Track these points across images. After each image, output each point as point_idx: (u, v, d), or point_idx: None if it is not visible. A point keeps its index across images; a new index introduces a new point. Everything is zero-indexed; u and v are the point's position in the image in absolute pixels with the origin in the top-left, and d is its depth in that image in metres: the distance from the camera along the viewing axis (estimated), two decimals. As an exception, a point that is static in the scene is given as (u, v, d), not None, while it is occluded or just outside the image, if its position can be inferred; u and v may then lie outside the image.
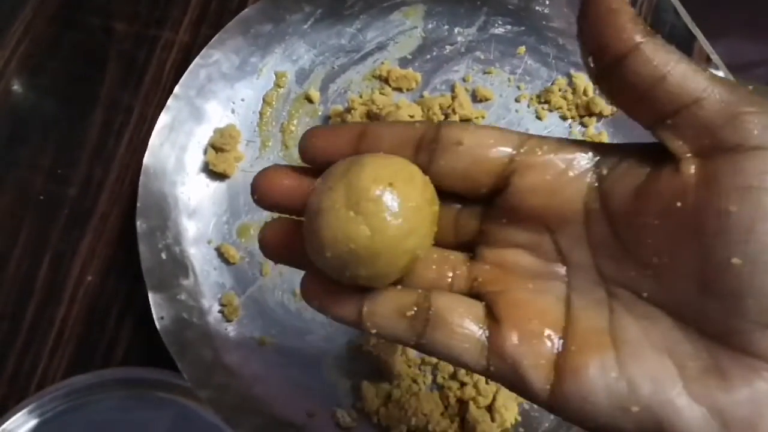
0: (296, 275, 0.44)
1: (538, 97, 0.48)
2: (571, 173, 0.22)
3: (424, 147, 0.23)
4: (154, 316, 0.41)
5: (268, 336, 0.43)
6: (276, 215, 0.25)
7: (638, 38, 0.19)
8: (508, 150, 0.22)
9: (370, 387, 0.42)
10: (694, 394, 0.18)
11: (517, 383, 0.21)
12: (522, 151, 0.22)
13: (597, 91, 0.47)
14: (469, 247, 0.24)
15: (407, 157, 0.23)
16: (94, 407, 0.42)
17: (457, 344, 0.21)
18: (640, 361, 0.19)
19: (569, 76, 0.47)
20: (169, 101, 0.45)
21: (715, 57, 0.49)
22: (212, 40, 0.46)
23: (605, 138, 0.46)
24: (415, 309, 0.22)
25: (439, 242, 0.24)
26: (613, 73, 0.20)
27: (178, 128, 0.46)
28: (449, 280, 0.24)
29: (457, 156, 0.22)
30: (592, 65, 0.20)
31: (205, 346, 0.42)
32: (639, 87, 0.19)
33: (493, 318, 0.22)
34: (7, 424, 0.41)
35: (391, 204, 0.20)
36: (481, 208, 0.24)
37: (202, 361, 0.41)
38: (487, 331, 0.21)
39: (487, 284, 0.23)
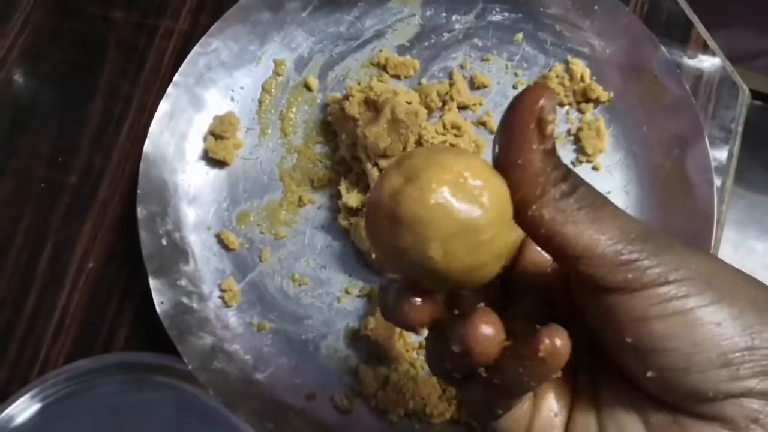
0: (295, 261, 0.45)
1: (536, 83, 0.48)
2: None
3: None
4: (155, 302, 0.41)
5: (268, 321, 0.44)
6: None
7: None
8: None
9: (368, 370, 0.42)
10: None
11: None
12: None
13: (594, 78, 0.47)
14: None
15: None
16: (95, 392, 0.42)
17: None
18: (613, 418, 0.22)
19: (566, 63, 0.48)
20: (169, 89, 0.45)
21: (712, 43, 0.49)
22: (211, 29, 0.46)
23: (602, 124, 0.46)
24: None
25: None
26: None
27: (178, 116, 0.46)
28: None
29: None
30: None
31: (205, 331, 0.43)
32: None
33: None
34: (10, 409, 0.42)
35: (477, 192, 0.19)
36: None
37: (202, 345, 0.42)
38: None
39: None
